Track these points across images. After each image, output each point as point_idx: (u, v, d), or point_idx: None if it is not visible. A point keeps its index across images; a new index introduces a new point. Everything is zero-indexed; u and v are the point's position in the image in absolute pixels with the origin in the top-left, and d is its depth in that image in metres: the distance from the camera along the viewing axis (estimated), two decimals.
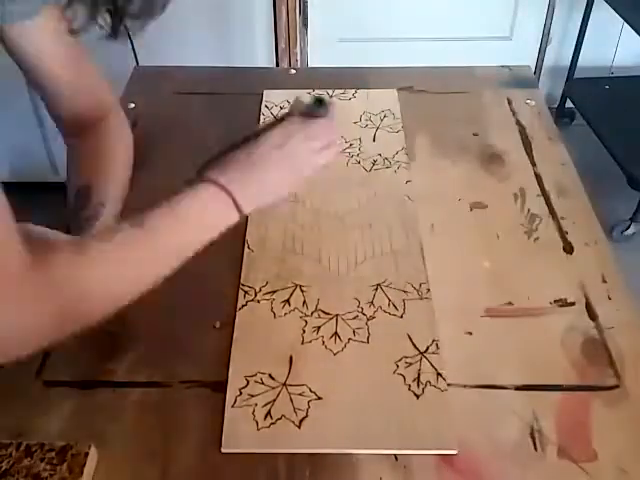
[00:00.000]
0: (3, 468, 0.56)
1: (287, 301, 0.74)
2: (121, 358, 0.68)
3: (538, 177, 0.92)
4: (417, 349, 0.69)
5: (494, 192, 0.89)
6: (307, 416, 0.63)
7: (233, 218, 0.63)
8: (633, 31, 1.86)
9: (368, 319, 0.72)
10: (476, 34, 2.20)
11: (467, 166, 0.94)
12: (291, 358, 0.68)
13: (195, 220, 0.61)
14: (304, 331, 0.71)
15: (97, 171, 0.72)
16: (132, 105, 1.04)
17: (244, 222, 0.83)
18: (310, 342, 0.70)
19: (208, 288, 0.76)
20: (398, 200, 0.87)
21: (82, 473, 0.57)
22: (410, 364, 0.68)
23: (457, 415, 0.63)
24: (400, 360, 0.68)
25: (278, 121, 0.68)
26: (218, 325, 0.71)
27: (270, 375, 0.66)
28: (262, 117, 1.01)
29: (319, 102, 0.70)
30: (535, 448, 0.61)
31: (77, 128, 0.76)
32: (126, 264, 0.57)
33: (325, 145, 0.68)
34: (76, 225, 0.70)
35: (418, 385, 0.66)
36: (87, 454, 0.58)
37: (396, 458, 0.60)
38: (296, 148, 0.66)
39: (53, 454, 0.58)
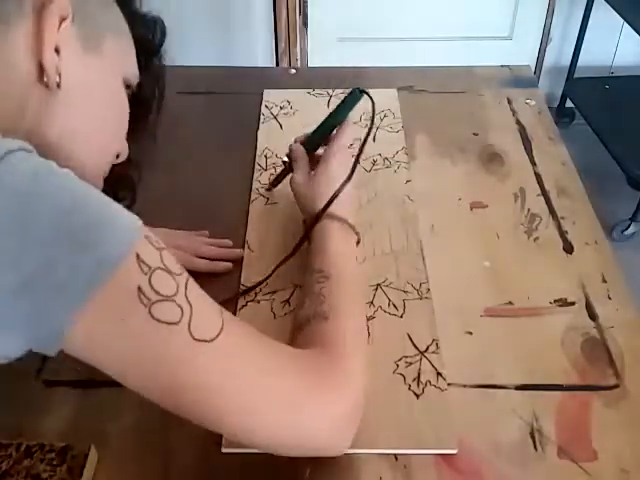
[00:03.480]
0: (3, 469, 0.56)
1: (287, 301, 0.74)
2: None
3: (538, 177, 0.92)
4: (417, 349, 0.69)
5: (494, 192, 0.89)
6: None
7: (355, 240, 0.74)
8: (633, 31, 1.86)
9: (368, 319, 0.72)
10: (476, 34, 2.20)
11: (467, 166, 0.94)
12: None
13: (347, 254, 0.71)
14: None
15: None
16: None
17: (244, 222, 0.83)
18: None
19: (208, 289, 0.75)
20: (398, 200, 0.87)
21: (82, 474, 0.56)
22: (410, 364, 0.68)
23: (457, 415, 0.63)
24: (400, 360, 0.68)
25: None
26: None
27: None
28: (262, 117, 1.01)
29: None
30: (535, 448, 0.61)
31: None
32: (353, 307, 0.66)
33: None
34: None
35: (418, 385, 0.66)
36: (87, 455, 0.58)
37: (396, 458, 0.60)
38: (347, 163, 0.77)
39: (53, 455, 0.57)
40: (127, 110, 0.61)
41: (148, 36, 0.66)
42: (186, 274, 0.49)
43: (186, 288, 0.48)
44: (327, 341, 0.59)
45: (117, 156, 0.62)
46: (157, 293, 0.45)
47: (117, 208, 0.46)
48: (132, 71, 0.61)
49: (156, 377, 0.47)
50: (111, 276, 0.43)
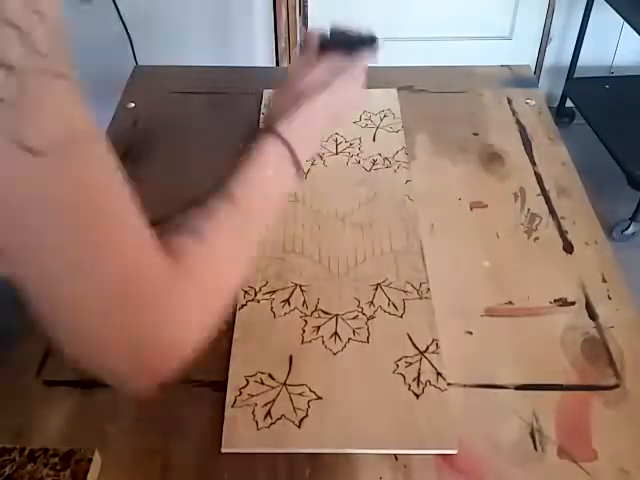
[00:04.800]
0: (6, 473, 0.56)
1: (287, 301, 0.74)
2: None
3: (538, 177, 0.92)
4: (417, 349, 0.69)
5: (494, 192, 0.89)
6: (307, 416, 0.63)
7: (292, 175, 0.61)
8: (633, 31, 1.86)
9: (368, 319, 0.72)
10: (476, 34, 2.20)
11: (467, 166, 0.94)
12: (291, 358, 0.68)
13: (271, 184, 0.60)
14: (304, 331, 0.71)
15: None
16: (132, 105, 1.04)
17: None
18: (310, 342, 0.70)
19: None
20: (398, 200, 0.87)
21: (85, 479, 0.56)
22: (410, 364, 0.68)
23: (457, 415, 0.63)
24: (400, 360, 0.68)
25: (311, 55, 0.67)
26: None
27: (270, 375, 0.66)
28: (262, 117, 1.01)
29: (370, 40, 0.69)
30: (535, 448, 0.61)
31: None
32: (237, 239, 0.55)
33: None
34: None
35: (418, 385, 0.66)
36: (91, 460, 0.57)
37: (396, 458, 0.60)
38: (342, 89, 0.65)
39: (57, 459, 0.57)
40: None
41: None
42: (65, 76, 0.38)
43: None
44: (187, 263, 0.48)
45: None
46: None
47: None
48: None
49: None
50: None
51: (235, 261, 0.55)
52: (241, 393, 0.65)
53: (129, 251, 0.44)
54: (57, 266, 0.40)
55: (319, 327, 0.71)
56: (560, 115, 2.28)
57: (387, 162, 0.93)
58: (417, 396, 0.65)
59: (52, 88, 0.37)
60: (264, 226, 0.60)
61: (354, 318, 0.72)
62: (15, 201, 0.38)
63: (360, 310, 0.73)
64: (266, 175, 0.60)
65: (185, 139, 0.97)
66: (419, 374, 0.67)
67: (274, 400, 0.64)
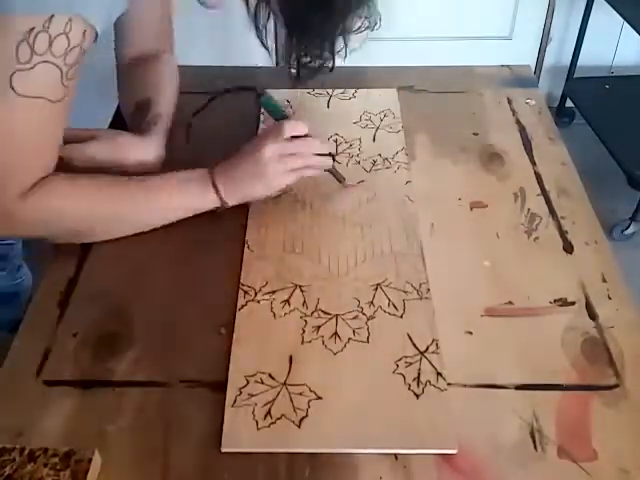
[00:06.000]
0: (6, 473, 0.56)
1: (287, 301, 0.74)
2: (121, 358, 0.68)
3: (538, 177, 0.92)
4: (417, 349, 0.69)
5: (494, 192, 0.89)
6: (307, 416, 0.63)
7: (212, 200, 0.79)
8: (633, 31, 1.86)
9: (368, 319, 0.72)
10: (476, 34, 2.20)
11: (467, 166, 0.94)
12: (291, 358, 0.68)
13: (180, 189, 0.78)
14: (304, 331, 0.71)
15: (155, 89, 0.89)
16: None
17: (244, 222, 0.83)
18: (310, 342, 0.70)
19: (208, 288, 0.76)
20: (398, 200, 0.87)
21: (85, 479, 0.56)
22: (410, 364, 0.68)
23: (457, 415, 0.63)
24: (400, 360, 0.68)
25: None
26: (224, 331, 0.71)
27: (270, 375, 0.66)
28: (262, 117, 1.01)
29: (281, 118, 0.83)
30: (535, 448, 0.61)
31: (139, 59, 0.93)
32: (105, 195, 0.75)
33: (297, 167, 0.80)
34: (138, 131, 0.85)
35: (418, 385, 0.66)
36: (91, 460, 0.57)
37: (396, 458, 0.60)
38: (268, 164, 0.79)
39: (57, 459, 0.57)
40: None
41: None
42: (58, 64, 0.64)
43: (44, 62, 0.63)
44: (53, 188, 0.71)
45: None
46: (33, 41, 0.61)
47: None
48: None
49: None
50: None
51: (81, 203, 0.74)
52: (241, 393, 0.65)
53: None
54: None
55: (319, 327, 0.71)
56: (560, 115, 2.28)
57: (387, 162, 0.93)
58: (417, 396, 0.65)
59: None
60: (146, 214, 0.78)
61: (354, 318, 0.72)
62: None
63: (360, 310, 0.73)
64: (177, 181, 0.79)
65: (185, 139, 0.97)
66: (419, 374, 0.67)
67: (274, 400, 0.64)
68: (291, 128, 0.80)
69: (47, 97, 0.65)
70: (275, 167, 0.79)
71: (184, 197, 0.79)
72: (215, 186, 0.78)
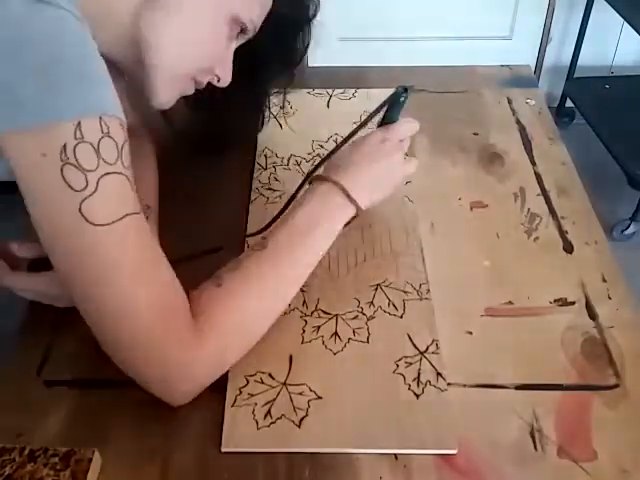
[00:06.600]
0: (6, 473, 0.56)
1: None
2: None
3: (538, 177, 0.92)
4: (417, 349, 0.69)
5: (494, 192, 0.89)
6: (307, 415, 0.63)
7: (350, 212, 0.72)
8: (633, 31, 1.86)
9: (368, 319, 0.72)
10: (476, 34, 2.20)
11: (467, 166, 0.94)
12: (291, 357, 0.68)
13: (314, 223, 0.69)
14: (304, 331, 0.71)
15: (140, 179, 0.70)
16: None
17: (244, 222, 0.83)
18: (310, 342, 0.70)
19: None
20: (398, 200, 0.87)
21: (85, 479, 0.56)
22: (410, 364, 0.68)
23: (457, 415, 0.63)
24: (400, 360, 0.68)
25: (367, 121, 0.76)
26: None
27: (270, 374, 0.66)
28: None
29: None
30: (535, 448, 0.61)
31: None
32: (259, 283, 0.65)
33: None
34: None
35: (418, 385, 0.66)
36: (91, 460, 0.57)
37: (396, 458, 0.60)
38: (392, 152, 0.75)
39: (57, 459, 0.57)
40: (221, 40, 0.68)
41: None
42: (119, 171, 0.54)
43: (103, 176, 0.52)
44: (203, 307, 0.62)
45: (218, 79, 0.71)
46: (76, 160, 0.51)
47: (99, 82, 0.53)
48: (247, 15, 0.67)
49: (48, 223, 0.53)
50: (49, 123, 0.50)
51: (254, 300, 0.64)
52: (241, 392, 0.65)
53: (156, 311, 0.58)
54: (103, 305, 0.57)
55: (319, 327, 0.71)
56: (560, 115, 2.28)
57: None
58: (417, 396, 0.65)
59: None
60: (302, 261, 0.69)
61: (354, 318, 0.72)
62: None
63: (360, 310, 0.73)
64: (303, 212, 0.69)
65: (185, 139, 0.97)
66: (419, 374, 0.67)
67: (274, 400, 0.64)
68: (409, 130, 0.78)
69: (128, 212, 0.55)
70: (403, 169, 0.78)
71: (333, 225, 0.71)
72: (352, 200, 0.71)
